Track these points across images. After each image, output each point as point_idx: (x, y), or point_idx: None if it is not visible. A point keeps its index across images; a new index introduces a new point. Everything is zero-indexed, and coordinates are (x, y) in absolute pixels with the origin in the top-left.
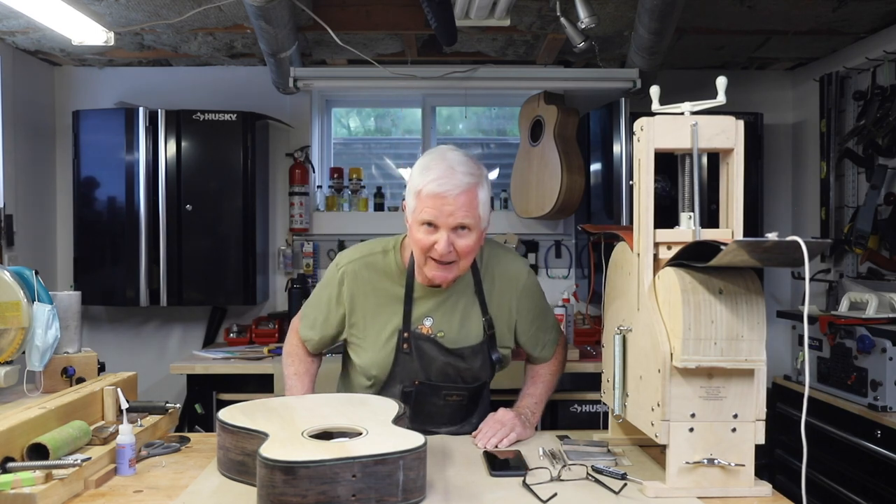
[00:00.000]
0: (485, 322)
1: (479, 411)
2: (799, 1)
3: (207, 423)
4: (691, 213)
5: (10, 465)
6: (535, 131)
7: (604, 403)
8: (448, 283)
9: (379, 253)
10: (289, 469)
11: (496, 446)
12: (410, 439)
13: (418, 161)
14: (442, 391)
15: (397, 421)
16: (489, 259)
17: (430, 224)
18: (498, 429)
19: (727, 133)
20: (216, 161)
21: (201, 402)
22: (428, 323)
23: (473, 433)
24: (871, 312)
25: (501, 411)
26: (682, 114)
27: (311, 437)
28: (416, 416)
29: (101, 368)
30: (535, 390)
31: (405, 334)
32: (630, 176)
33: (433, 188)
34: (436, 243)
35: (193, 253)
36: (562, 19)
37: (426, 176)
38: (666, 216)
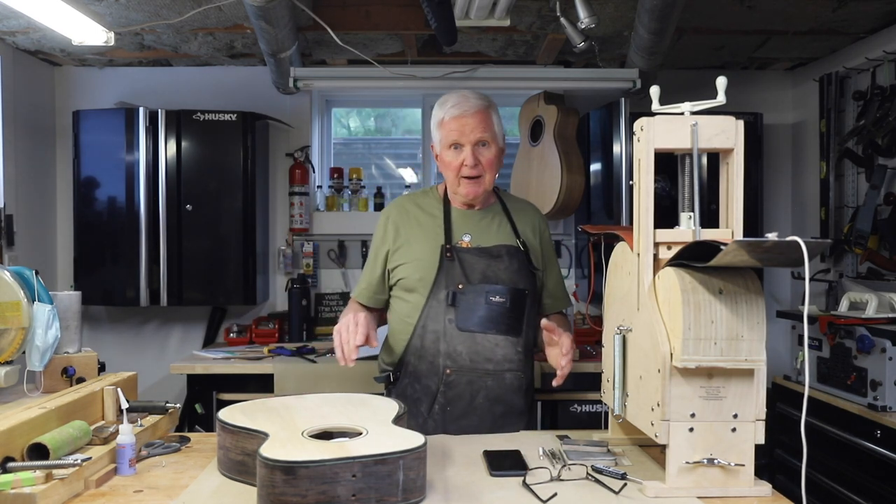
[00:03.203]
0: (519, 242)
1: (525, 326)
2: (799, 1)
3: (207, 423)
4: (691, 213)
5: (11, 465)
6: (535, 131)
7: (604, 403)
8: (479, 197)
9: (419, 193)
10: (289, 469)
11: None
12: (410, 439)
13: (436, 104)
14: (485, 291)
15: (397, 421)
16: (505, 198)
17: (455, 146)
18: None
19: (727, 133)
20: (216, 161)
21: (201, 402)
22: (467, 238)
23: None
24: (870, 312)
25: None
26: (682, 114)
27: (311, 437)
28: (465, 318)
29: (102, 368)
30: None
31: (447, 246)
32: (630, 176)
33: (453, 112)
34: (464, 160)
35: (193, 253)
36: (562, 19)
37: (444, 107)
38: (666, 216)
